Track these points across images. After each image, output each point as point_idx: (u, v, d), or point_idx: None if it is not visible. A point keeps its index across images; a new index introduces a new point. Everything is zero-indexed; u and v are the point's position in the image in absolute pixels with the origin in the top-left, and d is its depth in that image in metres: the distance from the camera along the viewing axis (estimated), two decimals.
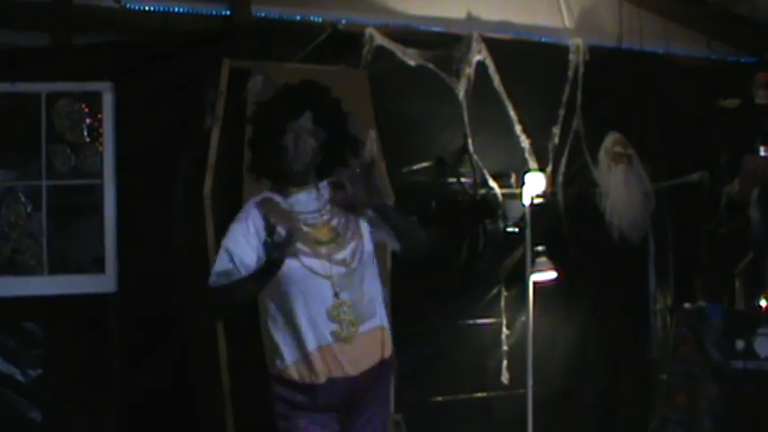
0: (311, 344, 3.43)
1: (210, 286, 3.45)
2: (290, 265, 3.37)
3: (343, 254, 3.50)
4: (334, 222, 3.55)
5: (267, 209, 3.51)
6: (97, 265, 5.02)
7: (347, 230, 3.55)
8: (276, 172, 3.57)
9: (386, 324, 3.60)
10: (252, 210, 3.53)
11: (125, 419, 5.12)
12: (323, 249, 3.47)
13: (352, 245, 3.52)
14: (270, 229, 3.25)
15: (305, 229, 3.49)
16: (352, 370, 3.46)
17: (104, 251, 5.02)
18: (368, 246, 3.58)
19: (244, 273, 3.40)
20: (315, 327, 3.42)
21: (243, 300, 3.49)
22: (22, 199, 4.98)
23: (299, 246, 3.43)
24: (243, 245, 3.45)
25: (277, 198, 3.56)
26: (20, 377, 5.07)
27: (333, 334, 3.42)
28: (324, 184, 3.62)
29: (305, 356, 3.43)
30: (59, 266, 5.00)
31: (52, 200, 5.01)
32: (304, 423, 3.46)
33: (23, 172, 5.00)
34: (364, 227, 3.60)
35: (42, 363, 5.09)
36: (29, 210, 4.99)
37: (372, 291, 3.56)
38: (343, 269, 3.47)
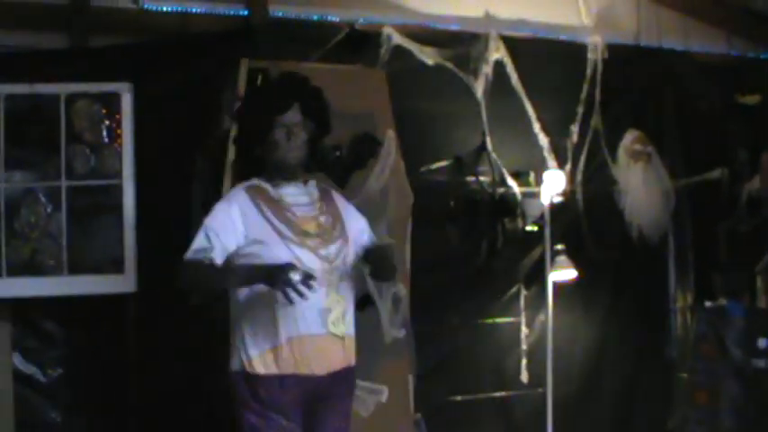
0: (283, 335, 3.43)
1: (185, 260, 3.48)
2: (278, 253, 3.41)
3: (328, 250, 3.51)
4: (323, 219, 3.57)
5: (256, 195, 3.53)
6: (116, 266, 5.03)
7: (334, 230, 3.57)
8: (267, 167, 3.58)
9: (353, 334, 3.59)
10: (240, 193, 3.55)
11: (144, 419, 5.13)
12: (309, 242, 3.48)
13: (338, 244, 3.55)
14: (287, 269, 3.27)
15: (293, 218, 3.50)
16: (319, 369, 3.46)
17: (123, 251, 5.02)
18: (352, 252, 3.59)
19: (219, 252, 3.43)
20: (289, 317, 3.42)
21: (214, 287, 3.58)
22: (42, 200, 4.99)
23: (288, 233, 3.46)
24: (224, 225, 3.47)
25: (265, 185, 3.57)
26: (40, 377, 5.09)
27: (310, 327, 3.43)
28: (312, 183, 3.64)
29: (273, 347, 3.43)
30: (79, 267, 5.00)
31: (72, 200, 5.01)
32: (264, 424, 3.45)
33: (43, 173, 5.00)
34: (351, 235, 3.63)
35: (62, 363, 5.11)
36: (48, 210, 5.00)
37: (348, 296, 3.57)
38: (326, 265, 3.48)
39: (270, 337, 3.44)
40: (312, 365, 3.45)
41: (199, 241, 3.48)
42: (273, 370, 3.43)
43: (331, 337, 3.48)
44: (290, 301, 3.27)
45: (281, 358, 3.42)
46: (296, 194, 3.58)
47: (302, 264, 3.39)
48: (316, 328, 3.45)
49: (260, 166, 3.60)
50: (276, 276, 3.27)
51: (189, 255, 3.47)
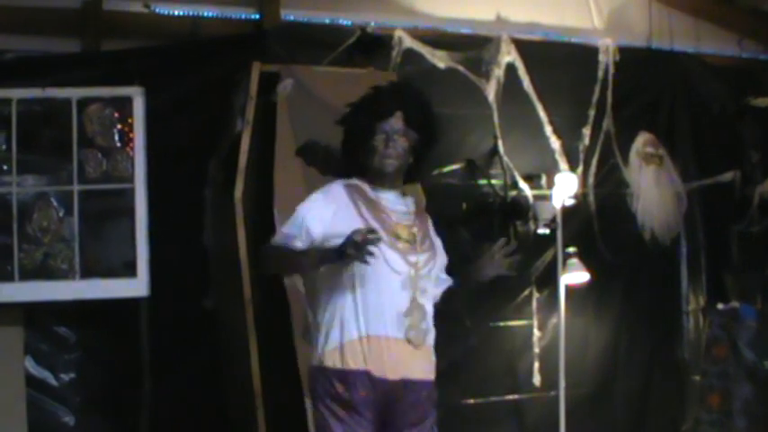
0: (355, 332, 3.40)
1: (271, 242, 3.51)
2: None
3: (417, 258, 3.50)
4: (415, 230, 3.55)
5: (354, 192, 3.52)
6: (129, 270, 5.04)
7: (424, 242, 3.56)
8: (367, 173, 3.57)
9: (431, 345, 3.56)
10: (338, 188, 3.54)
11: (156, 423, 5.13)
12: (399, 245, 3.48)
13: (426, 255, 3.54)
14: (364, 230, 3.27)
15: (387, 220, 3.50)
16: (392, 373, 3.42)
17: (136, 255, 5.03)
18: (439, 266, 3.60)
19: (305, 241, 3.42)
20: (368, 314, 3.41)
21: (294, 270, 3.60)
22: (54, 204, 5.00)
23: (381, 233, 3.44)
24: (314, 215, 3.46)
25: (364, 186, 3.55)
26: (52, 381, 5.09)
27: (387, 328, 3.41)
28: (411, 199, 3.64)
29: (344, 342, 3.40)
30: (91, 271, 5.02)
31: (84, 204, 5.03)
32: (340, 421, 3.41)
33: (55, 177, 5.02)
34: (440, 254, 3.64)
35: (75, 367, 5.11)
36: (61, 214, 5.01)
37: (428, 307, 3.54)
38: (413, 271, 3.48)
39: (344, 333, 3.41)
40: (385, 368, 3.42)
41: (287, 227, 3.50)
42: (339, 365, 3.40)
43: (405, 342, 3.45)
44: (365, 261, 3.25)
45: (349, 353, 3.40)
46: (394, 201, 3.57)
47: (389, 264, 3.42)
48: (392, 331, 3.43)
49: (362, 172, 3.58)
50: (343, 246, 3.25)
51: (275, 239, 3.51)
